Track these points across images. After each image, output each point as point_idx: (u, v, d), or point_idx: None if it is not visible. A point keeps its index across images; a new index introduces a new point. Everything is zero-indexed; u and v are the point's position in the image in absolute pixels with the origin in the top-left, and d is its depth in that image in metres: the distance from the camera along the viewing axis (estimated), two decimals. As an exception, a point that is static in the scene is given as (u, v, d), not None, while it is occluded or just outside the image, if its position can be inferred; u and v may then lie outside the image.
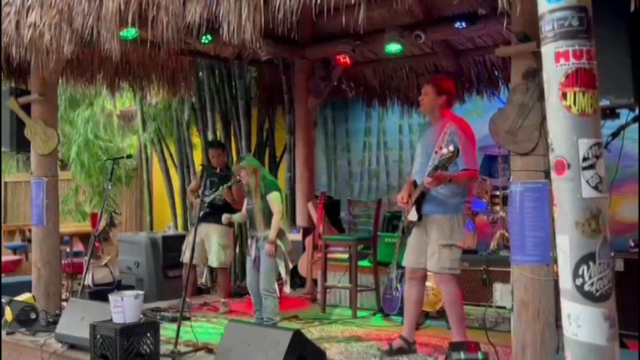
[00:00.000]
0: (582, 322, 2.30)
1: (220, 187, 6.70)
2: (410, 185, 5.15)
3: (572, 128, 2.31)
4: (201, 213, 6.17)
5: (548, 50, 2.38)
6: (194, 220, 7.45)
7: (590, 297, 2.30)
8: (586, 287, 2.30)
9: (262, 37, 4.62)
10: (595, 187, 2.30)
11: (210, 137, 9.25)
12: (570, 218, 2.30)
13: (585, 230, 2.29)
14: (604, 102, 3.63)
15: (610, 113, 3.79)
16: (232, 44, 5.07)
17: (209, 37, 6.25)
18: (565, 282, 2.33)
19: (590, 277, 2.30)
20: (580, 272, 2.30)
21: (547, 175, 3.90)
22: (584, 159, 2.29)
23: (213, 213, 6.83)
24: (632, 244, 5.71)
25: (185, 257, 7.24)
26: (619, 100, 3.60)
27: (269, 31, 4.98)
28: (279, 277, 6.35)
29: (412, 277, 5.22)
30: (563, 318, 2.37)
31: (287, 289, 6.65)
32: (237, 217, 6.60)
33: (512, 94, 3.98)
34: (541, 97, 3.83)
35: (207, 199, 7.06)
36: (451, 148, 4.63)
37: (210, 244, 7.13)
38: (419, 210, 5.04)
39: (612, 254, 5.52)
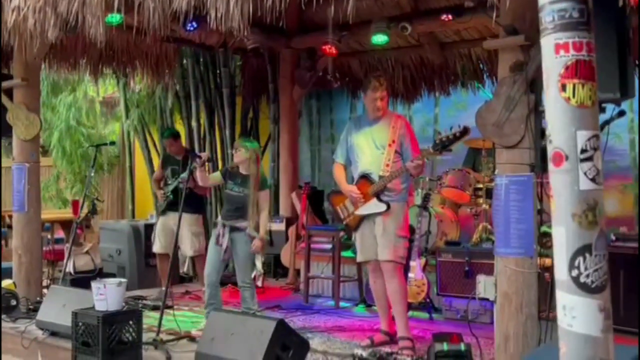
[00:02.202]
0: (577, 313, 2.32)
1: (181, 175, 6.60)
2: (364, 180, 5.14)
3: (571, 120, 2.32)
4: (164, 203, 6.05)
5: (548, 42, 2.38)
6: (158, 210, 7.35)
7: (586, 289, 2.32)
8: (582, 279, 2.32)
9: (250, 25, 4.59)
10: (593, 180, 2.32)
11: (194, 125, 9.20)
12: (567, 210, 2.31)
13: (582, 222, 2.30)
14: (590, 97, 3.65)
15: (596, 108, 3.80)
16: (219, 31, 5.02)
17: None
18: (561, 273, 2.34)
19: (586, 269, 2.31)
20: (576, 264, 2.31)
21: (533, 168, 3.93)
22: (582, 151, 2.31)
23: (184, 202, 6.74)
24: (613, 237, 5.75)
25: (155, 247, 7.21)
26: (605, 95, 3.60)
27: (256, 19, 4.93)
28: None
29: (376, 270, 5.24)
30: (558, 309, 2.38)
31: (259, 282, 6.61)
32: (215, 176, 6.14)
33: (498, 87, 3.98)
34: (528, 90, 3.89)
35: (170, 188, 7.02)
36: (460, 127, 4.71)
37: (182, 233, 6.99)
38: (380, 200, 5.06)
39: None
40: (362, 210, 5.14)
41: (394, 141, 5.06)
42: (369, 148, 5.15)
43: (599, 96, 3.58)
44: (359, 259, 5.36)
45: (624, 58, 3.60)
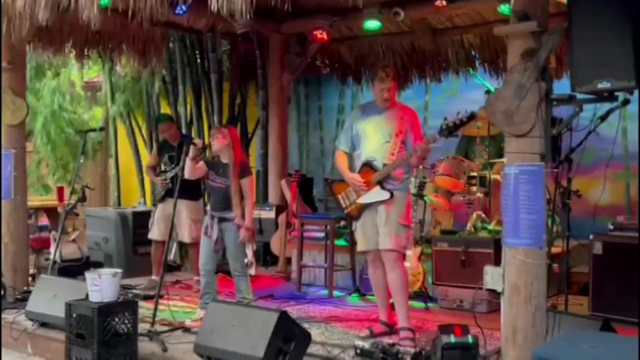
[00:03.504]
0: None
1: (182, 162, 6.45)
2: (368, 168, 5.06)
3: None
4: (164, 190, 5.96)
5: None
6: (157, 197, 7.22)
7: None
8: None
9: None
10: None
11: (181, 111, 9.05)
12: None
13: None
14: (605, 85, 3.60)
15: (609, 95, 3.75)
16: (208, 15, 4.88)
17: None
18: None
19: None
20: None
21: (543, 158, 3.86)
22: None
23: (181, 189, 6.62)
24: (611, 227, 5.71)
25: (154, 234, 7.09)
26: (620, 83, 3.56)
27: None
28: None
29: (376, 260, 5.17)
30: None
31: (252, 270, 6.53)
32: (201, 167, 5.80)
33: (509, 74, 3.90)
34: (539, 78, 3.81)
35: (169, 175, 6.90)
36: (467, 112, 4.69)
37: (181, 219, 6.94)
38: (384, 188, 4.99)
39: (591, 237, 5.58)
40: (365, 199, 5.06)
41: (401, 131, 5.00)
42: (376, 136, 5.06)
43: (614, 84, 3.58)
44: (360, 248, 5.27)
45: (639, 46, 3.53)
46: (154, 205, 7.33)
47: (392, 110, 5.10)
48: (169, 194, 6.87)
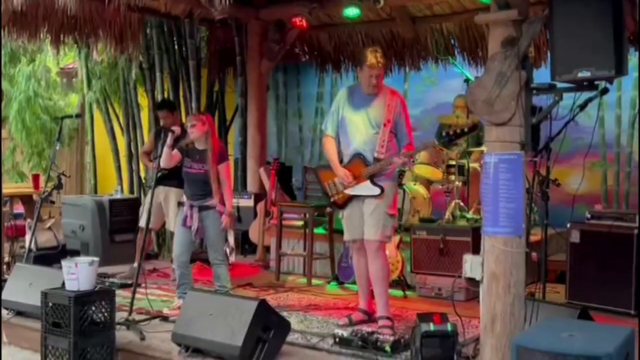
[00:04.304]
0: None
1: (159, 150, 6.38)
2: (358, 160, 5.02)
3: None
4: (159, 175, 5.90)
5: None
6: (150, 184, 7.13)
7: None
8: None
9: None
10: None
11: (158, 98, 8.95)
12: None
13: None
14: (585, 74, 3.59)
15: (589, 85, 3.75)
16: (194, 1, 4.82)
17: None
18: None
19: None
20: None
21: (523, 146, 3.85)
22: None
23: (171, 176, 6.56)
24: (588, 215, 5.75)
25: (143, 222, 7.01)
26: (600, 72, 3.54)
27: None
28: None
29: (361, 249, 5.15)
30: None
31: (233, 257, 6.48)
32: (175, 154, 5.76)
33: (489, 62, 3.87)
34: (519, 66, 3.80)
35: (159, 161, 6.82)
36: (469, 124, 4.71)
37: (169, 208, 6.84)
38: (374, 183, 4.97)
39: (569, 225, 5.62)
40: (354, 191, 5.04)
41: (389, 121, 4.94)
42: (363, 126, 5.00)
43: (594, 73, 3.58)
44: (346, 237, 5.25)
45: (620, 35, 3.53)
46: (148, 188, 7.15)
47: (379, 97, 5.02)
48: (162, 181, 6.80)
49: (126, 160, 9.30)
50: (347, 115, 5.07)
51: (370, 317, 5.21)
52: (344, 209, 5.16)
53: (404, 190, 6.82)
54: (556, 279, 6.35)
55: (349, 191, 5.05)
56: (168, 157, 5.66)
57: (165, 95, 9.03)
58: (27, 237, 6.85)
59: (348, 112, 5.07)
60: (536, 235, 5.56)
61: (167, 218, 6.86)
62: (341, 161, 5.12)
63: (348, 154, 5.09)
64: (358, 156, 5.01)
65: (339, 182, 5.09)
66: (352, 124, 5.05)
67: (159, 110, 7.17)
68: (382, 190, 4.94)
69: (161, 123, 7.09)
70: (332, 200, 5.22)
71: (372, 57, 4.90)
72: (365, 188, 4.98)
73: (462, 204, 6.91)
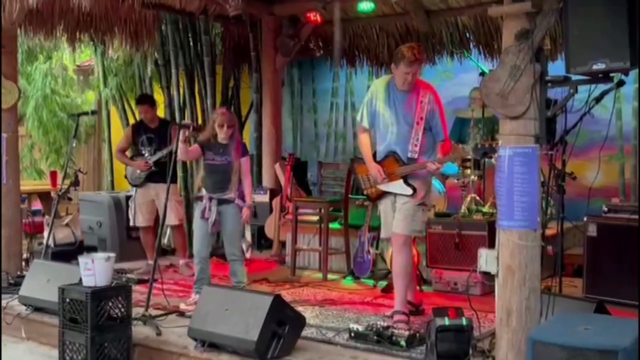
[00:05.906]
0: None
1: (170, 147, 6.35)
2: (392, 158, 5.00)
3: None
4: (144, 174, 5.89)
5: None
6: (135, 182, 7.08)
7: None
8: None
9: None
10: None
11: (174, 94, 8.99)
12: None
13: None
14: (600, 66, 3.57)
15: (604, 77, 3.72)
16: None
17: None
18: None
19: None
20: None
21: (537, 139, 3.83)
22: None
23: (160, 172, 6.54)
24: (605, 209, 5.71)
25: (138, 221, 7.05)
26: (615, 63, 3.52)
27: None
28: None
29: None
30: None
31: (249, 254, 6.51)
32: (194, 150, 5.77)
33: (503, 55, 3.86)
34: (534, 59, 3.78)
35: (154, 158, 6.82)
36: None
37: (162, 203, 6.86)
38: (408, 183, 4.95)
39: (585, 219, 5.58)
40: (387, 188, 5.05)
41: (422, 118, 4.89)
42: (397, 124, 4.96)
43: (609, 65, 3.55)
44: (383, 235, 5.27)
45: (635, 27, 3.50)
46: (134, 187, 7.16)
47: (412, 93, 4.95)
48: (151, 178, 6.81)
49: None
50: (381, 109, 5.04)
51: (417, 308, 5.26)
52: (378, 203, 5.20)
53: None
54: (573, 273, 6.31)
55: (382, 187, 5.06)
56: (185, 152, 5.67)
57: (182, 92, 9.07)
58: (45, 233, 6.92)
59: (381, 106, 5.03)
60: (553, 229, 5.53)
61: (164, 214, 6.79)
62: (374, 154, 5.12)
63: (382, 150, 5.08)
64: (392, 154, 4.99)
65: (374, 177, 5.10)
66: (385, 119, 5.02)
67: (140, 105, 7.21)
68: (415, 190, 4.93)
69: (143, 118, 7.09)
70: (365, 192, 5.26)
71: (411, 54, 4.81)
72: (398, 186, 4.98)
73: (477, 198, 6.87)
